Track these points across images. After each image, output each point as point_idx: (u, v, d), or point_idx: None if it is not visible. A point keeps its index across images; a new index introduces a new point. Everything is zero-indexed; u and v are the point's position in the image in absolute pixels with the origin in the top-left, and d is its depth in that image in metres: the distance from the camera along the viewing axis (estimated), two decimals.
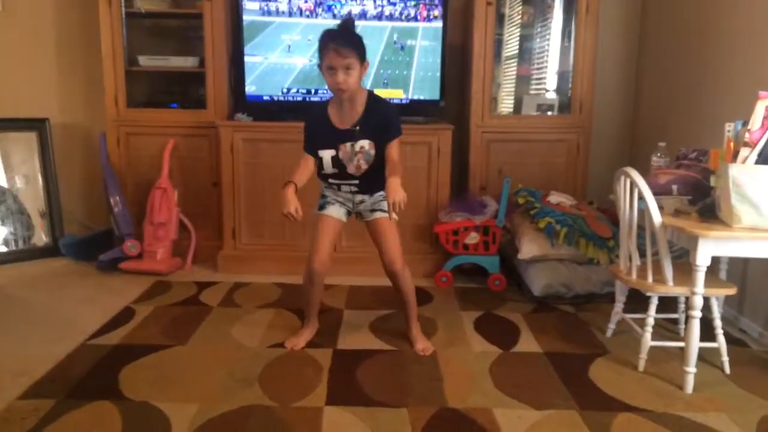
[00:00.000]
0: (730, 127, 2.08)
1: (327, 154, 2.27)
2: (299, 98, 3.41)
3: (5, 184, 3.54)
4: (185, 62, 3.47)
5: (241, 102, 3.44)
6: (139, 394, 1.99)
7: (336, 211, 2.36)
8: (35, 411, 1.88)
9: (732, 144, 2.02)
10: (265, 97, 3.41)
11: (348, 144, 2.24)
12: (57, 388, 2.03)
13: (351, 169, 2.27)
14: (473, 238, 3.15)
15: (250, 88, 3.40)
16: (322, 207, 2.38)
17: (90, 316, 2.66)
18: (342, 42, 2.13)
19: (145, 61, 3.46)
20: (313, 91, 3.40)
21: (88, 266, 3.41)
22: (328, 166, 2.28)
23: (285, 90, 3.40)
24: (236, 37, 3.40)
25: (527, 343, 2.47)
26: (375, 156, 2.25)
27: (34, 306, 2.82)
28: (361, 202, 2.35)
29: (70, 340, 2.40)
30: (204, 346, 2.39)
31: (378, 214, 2.33)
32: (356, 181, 2.29)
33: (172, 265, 3.34)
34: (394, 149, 2.23)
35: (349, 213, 2.40)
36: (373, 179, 2.29)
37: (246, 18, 3.32)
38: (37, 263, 3.49)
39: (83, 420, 1.85)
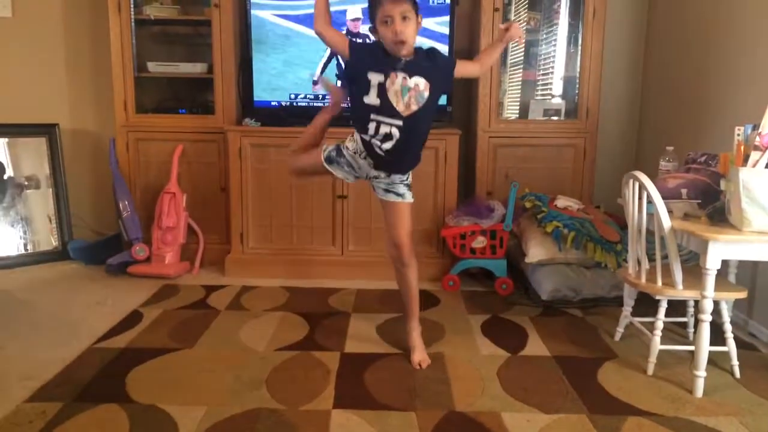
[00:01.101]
0: (740, 131, 2.07)
1: (375, 79, 2.05)
2: (307, 104, 3.42)
3: (16, 189, 3.55)
4: (194, 68, 3.50)
5: (249, 107, 3.46)
6: (146, 398, 2.00)
7: (340, 173, 2.23)
8: (43, 414, 1.89)
9: (742, 147, 2.01)
10: (272, 103, 3.43)
11: (401, 75, 2.05)
12: (65, 391, 2.03)
13: (400, 106, 2.05)
14: (480, 242, 3.15)
15: (257, 94, 3.41)
16: (329, 160, 2.22)
17: (98, 320, 2.67)
18: None
19: (154, 67, 3.49)
20: (320, 97, 3.41)
21: (96, 270, 3.43)
22: (372, 95, 2.06)
23: (293, 96, 3.42)
24: (244, 43, 3.43)
25: (535, 347, 2.46)
26: (427, 101, 2.08)
27: (42, 309, 2.83)
28: (376, 177, 2.22)
29: (78, 344, 2.41)
30: (212, 350, 2.40)
31: (392, 197, 2.23)
32: (400, 123, 2.06)
33: (180, 268, 3.35)
34: (467, 63, 2.23)
35: (357, 179, 2.27)
36: (413, 136, 2.11)
37: (254, 24, 3.35)
38: (46, 267, 3.51)
39: (91, 423, 1.86)
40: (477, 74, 2.32)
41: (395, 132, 2.08)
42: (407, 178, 2.26)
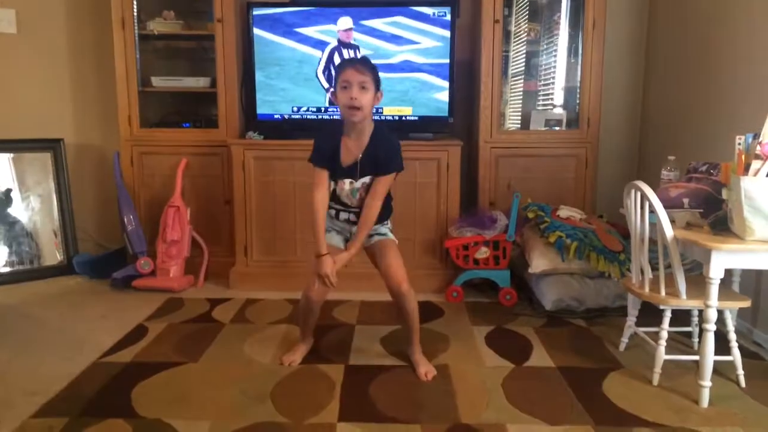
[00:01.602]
0: (740, 140, 2.08)
1: (330, 185, 2.29)
2: (310, 117, 3.44)
3: (21, 203, 3.58)
4: (197, 83, 3.53)
5: (252, 121, 3.48)
6: (151, 412, 2.00)
7: (335, 240, 2.34)
8: (49, 429, 1.89)
9: (743, 157, 2.02)
10: (276, 116, 3.45)
11: (347, 181, 2.26)
12: (70, 406, 2.04)
13: (353, 203, 2.29)
14: (483, 252, 3.15)
15: (260, 107, 3.44)
16: None
17: (103, 334, 2.68)
18: (360, 63, 2.17)
19: (158, 81, 3.52)
20: (323, 109, 3.43)
21: (101, 284, 3.44)
22: (329, 191, 2.30)
23: (295, 109, 3.44)
24: (247, 57, 3.46)
25: (540, 358, 2.46)
26: None
27: (47, 324, 2.84)
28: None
29: (84, 358, 2.42)
30: (216, 363, 2.40)
31: (376, 238, 2.34)
32: (356, 209, 2.29)
33: (185, 282, 3.36)
34: (381, 184, 2.22)
35: (346, 240, 2.36)
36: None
37: (257, 38, 3.38)
38: (51, 281, 3.52)
39: None
40: (370, 198, 2.28)
41: (353, 217, 2.32)
42: (387, 223, 2.41)
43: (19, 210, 3.57)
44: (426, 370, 2.30)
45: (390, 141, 2.26)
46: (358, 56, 3.27)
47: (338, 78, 2.17)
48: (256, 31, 3.38)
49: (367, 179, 2.25)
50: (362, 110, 2.15)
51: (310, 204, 2.27)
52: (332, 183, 2.29)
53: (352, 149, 2.24)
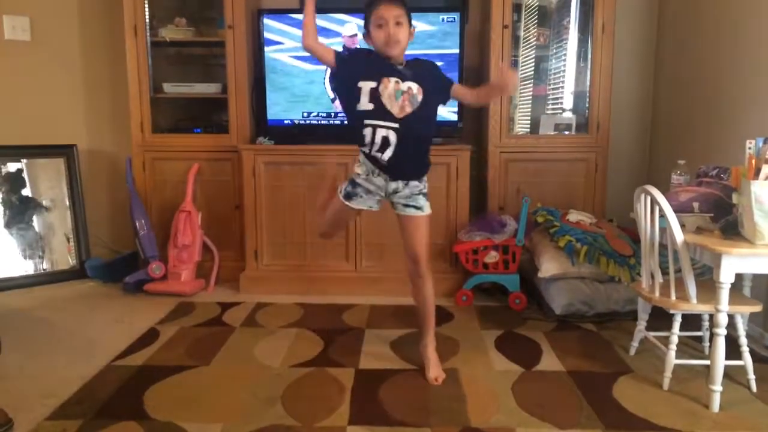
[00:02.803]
0: (751, 144, 2.08)
1: (367, 85, 2.10)
2: (320, 122, 3.46)
3: (35, 209, 3.62)
4: (208, 88, 3.56)
5: (262, 126, 3.51)
6: (164, 415, 2.02)
7: (364, 203, 2.24)
8: (63, 431, 1.92)
9: (754, 161, 2.02)
10: (286, 121, 3.48)
11: (393, 79, 2.10)
12: (84, 408, 2.06)
13: (394, 109, 2.09)
14: (493, 257, 3.15)
15: (271, 113, 3.47)
16: (348, 196, 2.24)
17: (116, 338, 2.71)
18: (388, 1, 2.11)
19: (169, 88, 3.55)
20: (333, 115, 3.46)
21: (114, 288, 3.47)
22: (364, 101, 2.10)
23: (305, 114, 3.47)
24: (257, 63, 3.49)
25: (549, 362, 2.46)
26: (421, 104, 2.12)
27: (61, 328, 2.87)
28: (395, 192, 2.21)
29: (97, 361, 2.44)
30: (227, 366, 2.42)
31: (411, 211, 2.22)
32: (396, 126, 2.09)
33: (196, 286, 3.39)
34: (463, 89, 2.22)
35: (380, 201, 2.27)
36: (413, 139, 2.12)
37: (267, 45, 3.41)
38: (64, 285, 3.56)
39: None
40: (470, 102, 2.31)
41: (392, 137, 2.10)
42: (424, 186, 2.27)
43: (32, 215, 3.62)
44: (436, 374, 2.29)
45: (428, 60, 2.24)
46: None
47: (371, 16, 2.10)
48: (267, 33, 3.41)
49: (414, 85, 2.11)
50: (399, 44, 2.10)
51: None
52: (371, 84, 2.10)
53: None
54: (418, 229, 2.25)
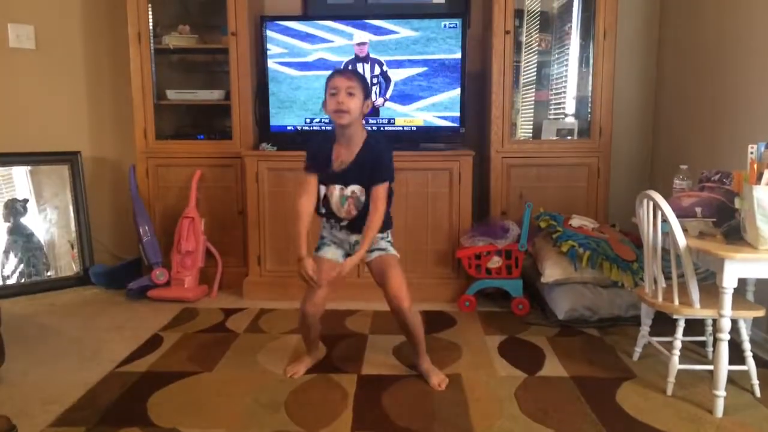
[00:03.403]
0: (753, 149, 2.08)
1: (321, 189, 2.29)
2: (322, 128, 3.47)
3: (39, 215, 3.64)
4: (211, 95, 3.58)
5: (265, 132, 3.53)
6: (167, 421, 2.02)
7: (332, 253, 2.33)
8: None
9: (756, 166, 2.02)
10: (288, 128, 3.49)
11: (338, 186, 2.25)
12: (87, 415, 2.07)
13: (342, 213, 2.28)
14: (496, 262, 3.16)
15: (273, 119, 3.48)
16: (318, 248, 2.37)
17: (119, 344, 2.71)
18: (347, 71, 2.25)
19: (173, 94, 3.57)
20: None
21: (117, 295, 3.48)
22: (319, 205, 2.30)
23: (308, 120, 3.48)
24: (260, 70, 3.51)
25: (553, 368, 2.46)
26: (365, 203, 2.24)
27: (64, 334, 2.88)
28: (357, 243, 2.27)
29: (100, 368, 2.45)
30: (230, 373, 2.42)
31: (376, 253, 2.31)
32: (345, 224, 2.29)
33: (199, 292, 3.40)
34: (379, 195, 2.20)
35: (346, 255, 2.34)
36: (363, 223, 2.24)
37: (269, 51, 3.43)
38: (67, 292, 3.57)
39: None
40: (372, 209, 2.23)
41: (345, 226, 2.32)
42: (387, 236, 2.37)
43: (36, 222, 3.63)
44: (439, 380, 2.30)
45: (379, 150, 2.23)
46: (366, 69, 3.32)
47: (327, 86, 2.20)
48: (270, 37, 3.43)
49: (357, 188, 2.24)
50: (349, 113, 2.16)
51: (294, 207, 2.27)
52: (323, 189, 2.28)
53: (342, 155, 2.24)
54: (389, 267, 2.28)
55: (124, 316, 3.12)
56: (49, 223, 3.67)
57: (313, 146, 2.31)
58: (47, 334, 2.87)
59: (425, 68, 3.38)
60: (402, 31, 3.38)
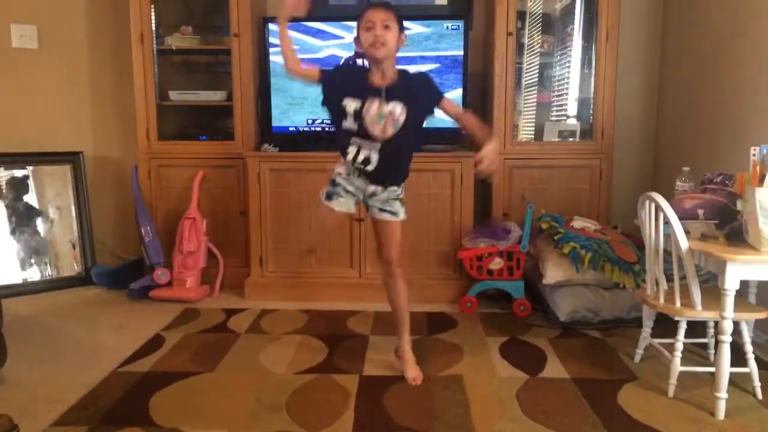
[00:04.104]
0: (755, 151, 2.08)
1: (351, 105, 2.16)
2: (324, 129, 3.47)
3: (41, 215, 3.65)
4: (214, 96, 3.58)
5: (267, 133, 3.53)
6: (169, 421, 2.02)
7: (343, 204, 2.26)
8: None
9: (758, 168, 2.02)
10: (290, 128, 3.50)
11: (376, 101, 2.14)
12: (90, 415, 2.07)
13: (376, 131, 2.14)
14: (497, 263, 3.16)
15: (276, 120, 3.49)
16: (329, 196, 2.27)
17: (121, 344, 2.71)
18: (383, 4, 2.17)
19: (175, 95, 3.58)
20: None
21: (119, 295, 3.49)
22: (350, 120, 2.17)
23: (310, 121, 3.48)
24: (263, 71, 3.51)
25: (554, 369, 2.46)
26: (404, 125, 2.16)
27: (66, 334, 2.88)
28: (373, 194, 2.26)
29: (102, 368, 2.45)
30: (232, 373, 2.43)
31: (386, 216, 2.27)
32: (378, 146, 2.16)
33: (201, 292, 3.40)
34: (452, 105, 2.23)
35: (357, 203, 2.30)
36: (394, 156, 2.20)
37: (272, 51, 3.44)
38: (69, 292, 3.57)
39: None
40: (452, 118, 2.32)
41: (374, 155, 2.18)
42: (401, 192, 2.32)
43: (38, 222, 3.64)
44: (414, 375, 2.33)
45: (422, 74, 2.27)
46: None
47: (360, 20, 2.14)
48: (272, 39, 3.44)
49: (398, 107, 2.14)
50: (385, 46, 2.11)
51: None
52: (356, 104, 2.15)
53: (378, 79, 2.18)
54: (392, 234, 2.30)
55: (125, 317, 3.12)
56: (51, 223, 3.68)
57: (347, 67, 2.26)
58: (49, 334, 2.88)
59: (428, 69, 3.38)
60: (418, 29, 3.38)
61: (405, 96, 2.16)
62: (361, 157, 2.19)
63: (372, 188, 2.26)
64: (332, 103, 2.22)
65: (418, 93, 2.20)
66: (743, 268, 1.98)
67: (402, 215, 2.30)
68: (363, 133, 2.16)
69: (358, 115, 2.15)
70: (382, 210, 2.28)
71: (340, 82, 2.22)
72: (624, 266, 2.87)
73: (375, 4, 2.18)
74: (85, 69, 3.86)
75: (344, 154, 2.22)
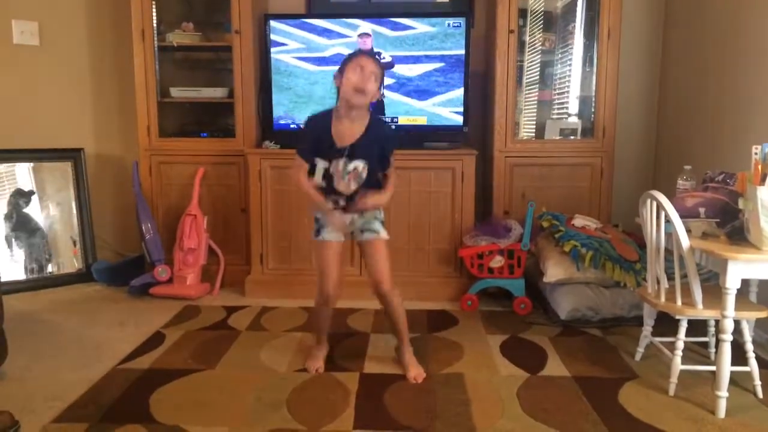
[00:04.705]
0: (757, 150, 2.07)
1: (320, 163, 2.27)
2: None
3: (41, 212, 3.65)
4: (215, 93, 3.58)
5: (268, 130, 3.53)
6: (169, 418, 2.02)
7: (333, 235, 2.35)
8: None
9: (760, 166, 2.01)
10: (291, 125, 3.49)
11: (342, 161, 2.24)
12: (90, 412, 2.07)
13: (341, 187, 2.27)
14: (498, 261, 3.15)
15: (277, 117, 3.49)
16: (318, 232, 2.36)
17: (122, 341, 2.72)
18: (374, 57, 2.27)
19: (176, 92, 3.57)
20: None
21: (119, 291, 3.49)
22: (318, 177, 2.29)
23: None
24: (264, 68, 3.51)
25: (555, 367, 2.46)
26: (367, 179, 2.28)
27: (67, 331, 2.88)
28: (352, 223, 2.34)
29: (102, 365, 2.46)
30: (233, 370, 2.43)
31: (368, 235, 2.34)
32: (344, 197, 2.30)
33: (202, 289, 3.40)
34: (393, 163, 2.32)
35: (344, 235, 2.39)
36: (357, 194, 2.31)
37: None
38: (70, 289, 3.57)
39: None
40: (384, 177, 2.37)
41: (342, 201, 2.31)
42: (380, 214, 2.39)
43: (39, 218, 3.64)
44: (416, 373, 2.35)
45: (388, 128, 2.44)
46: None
47: (351, 62, 2.20)
48: (273, 39, 3.43)
49: (360, 164, 2.25)
50: (366, 96, 2.18)
51: (297, 181, 2.29)
52: (324, 164, 2.26)
53: (345, 133, 2.25)
54: (378, 252, 2.34)
55: (126, 313, 3.12)
56: (51, 219, 3.68)
57: (311, 129, 2.31)
58: (49, 331, 2.88)
59: (429, 67, 3.38)
60: (419, 26, 3.38)
61: (372, 150, 2.26)
62: (330, 202, 2.31)
63: (349, 218, 2.33)
64: (309, 157, 2.30)
65: (380, 145, 2.28)
66: (744, 266, 1.98)
67: (384, 234, 2.37)
68: (331, 189, 2.29)
69: (327, 173, 2.28)
70: (363, 231, 2.36)
71: (314, 139, 2.28)
72: (625, 265, 2.87)
73: (367, 53, 2.33)
74: (86, 65, 3.86)
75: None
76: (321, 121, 2.28)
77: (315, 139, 2.28)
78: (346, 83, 2.19)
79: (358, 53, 2.26)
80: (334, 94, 2.28)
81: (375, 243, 2.34)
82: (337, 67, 2.25)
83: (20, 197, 3.59)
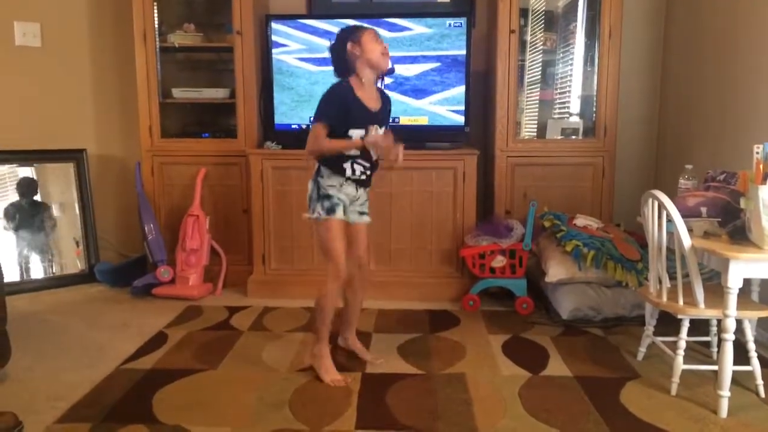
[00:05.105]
0: (758, 149, 2.07)
1: (356, 134, 2.25)
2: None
3: (44, 213, 3.65)
4: (217, 94, 3.58)
5: (270, 131, 3.53)
6: (172, 418, 2.03)
7: (343, 215, 2.32)
8: None
9: (761, 166, 2.01)
10: (293, 126, 3.50)
11: (376, 126, 2.29)
12: (93, 412, 2.08)
13: (378, 152, 2.30)
14: (500, 261, 3.15)
15: (278, 117, 3.49)
16: (332, 210, 2.28)
17: (124, 341, 2.72)
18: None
19: (178, 93, 3.58)
20: None
21: (122, 292, 3.49)
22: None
23: (312, 118, 3.47)
24: (265, 69, 3.51)
25: (557, 367, 2.46)
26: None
27: (70, 331, 2.89)
28: (356, 199, 2.37)
29: (105, 365, 2.46)
30: (235, 370, 2.43)
31: (365, 218, 2.42)
32: (369, 164, 2.34)
33: (204, 290, 3.41)
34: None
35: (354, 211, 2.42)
36: (377, 164, 2.39)
37: (275, 50, 3.44)
38: (73, 289, 3.58)
39: None
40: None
41: (367, 170, 2.35)
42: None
43: (41, 219, 3.65)
44: (374, 355, 2.51)
45: (388, 96, 2.44)
46: None
47: (363, 33, 2.25)
48: (275, 39, 3.44)
49: (382, 129, 2.33)
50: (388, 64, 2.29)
51: (317, 146, 2.24)
52: (358, 132, 2.25)
53: (371, 100, 2.30)
54: (364, 234, 2.44)
55: (128, 314, 3.13)
56: (54, 220, 3.69)
57: (343, 96, 2.26)
58: (52, 332, 2.88)
59: (430, 66, 3.38)
60: (416, 27, 3.38)
61: (386, 117, 2.39)
62: (357, 171, 2.32)
63: (359, 192, 2.37)
64: (337, 131, 2.26)
65: (388, 109, 2.42)
66: (746, 266, 1.98)
67: (367, 216, 2.46)
68: (363, 156, 2.31)
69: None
70: (361, 213, 2.41)
71: (343, 112, 2.25)
72: (627, 264, 2.87)
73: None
74: (88, 66, 3.87)
75: (340, 170, 2.30)
76: (346, 91, 2.27)
77: (345, 109, 2.25)
78: (371, 51, 2.23)
79: (359, 26, 2.31)
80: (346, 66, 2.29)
81: (362, 228, 2.43)
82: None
83: (23, 199, 3.60)
